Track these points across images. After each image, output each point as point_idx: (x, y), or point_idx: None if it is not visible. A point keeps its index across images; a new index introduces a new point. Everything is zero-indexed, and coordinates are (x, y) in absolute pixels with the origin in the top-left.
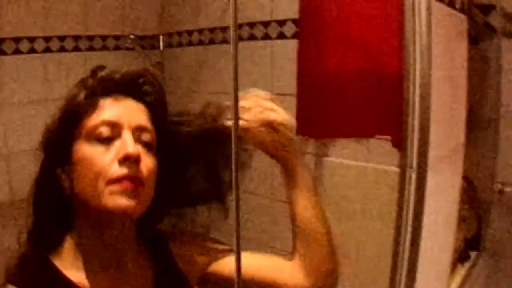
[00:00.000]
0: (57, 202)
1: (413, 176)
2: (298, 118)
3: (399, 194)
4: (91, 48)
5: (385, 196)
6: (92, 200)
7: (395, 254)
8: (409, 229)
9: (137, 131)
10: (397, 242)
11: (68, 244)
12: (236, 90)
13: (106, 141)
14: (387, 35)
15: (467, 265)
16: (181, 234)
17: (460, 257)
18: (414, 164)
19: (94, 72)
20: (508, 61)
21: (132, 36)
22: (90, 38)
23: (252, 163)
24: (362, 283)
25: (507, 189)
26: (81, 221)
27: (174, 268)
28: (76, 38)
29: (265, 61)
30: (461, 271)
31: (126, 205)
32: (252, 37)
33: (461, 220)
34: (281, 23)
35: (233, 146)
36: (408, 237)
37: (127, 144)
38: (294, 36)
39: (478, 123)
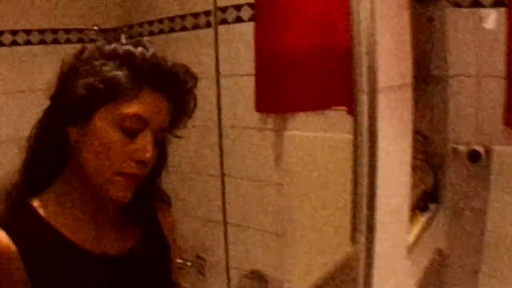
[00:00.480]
0: (56, 149)
1: (365, 98)
2: (257, 96)
3: (353, 120)
4: (55, 41)
5: (342, 161)
6: (95, 178)
7: (354, 190)
8: (366, 158)
9: (159, 131)
10: (355, 182)
11: (52, 192)
12: (217, 72)
13: (130, 131)
14: (338, 11)
15: (427, 215)
16: (168, 206)
17: (420, 206)
18: (365, 88)
19: (142, 54)
20: (452, 23)
21: (95, 28)
22: (55, 31)
23: (237, 148)
24: (325, 244)
25: (461, 147)
26: (72, 176)
27: (159, 232)
28: (42, 31)
29: (224, 45)
30: (422, 219)
31: (123, 196)
32: (209, 24)
33: (418, 170)
34: (238, 7)
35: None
36: (366, 168)
37: (147, 147)
38: (250, 19)
39: (429, 81)
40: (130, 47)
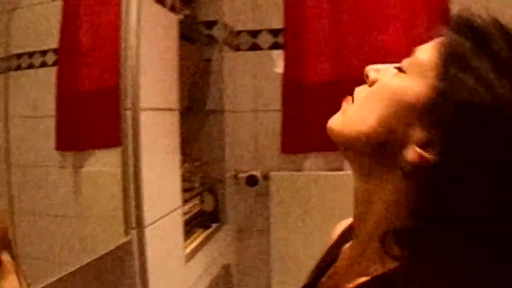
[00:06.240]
0: None
1: (129, 114)
2: (58, 136)
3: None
4: None
5: (116, 192)
6: None
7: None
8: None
9: None
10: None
11: None
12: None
13: None
14: (114, 53)
15: (207, 232)
16: None
17: (203, 224)
18: (129, 123)
19: None
20: (228, 63)
21: None
22: None
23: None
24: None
25: (241, 174)
26: None
27: None
28: None
29: (33, 88)
30: (202, 235)
31: None
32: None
33: (197, 193)
34: (44, 52)
35: None
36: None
37: None
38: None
39: (206, 114)
40: None
